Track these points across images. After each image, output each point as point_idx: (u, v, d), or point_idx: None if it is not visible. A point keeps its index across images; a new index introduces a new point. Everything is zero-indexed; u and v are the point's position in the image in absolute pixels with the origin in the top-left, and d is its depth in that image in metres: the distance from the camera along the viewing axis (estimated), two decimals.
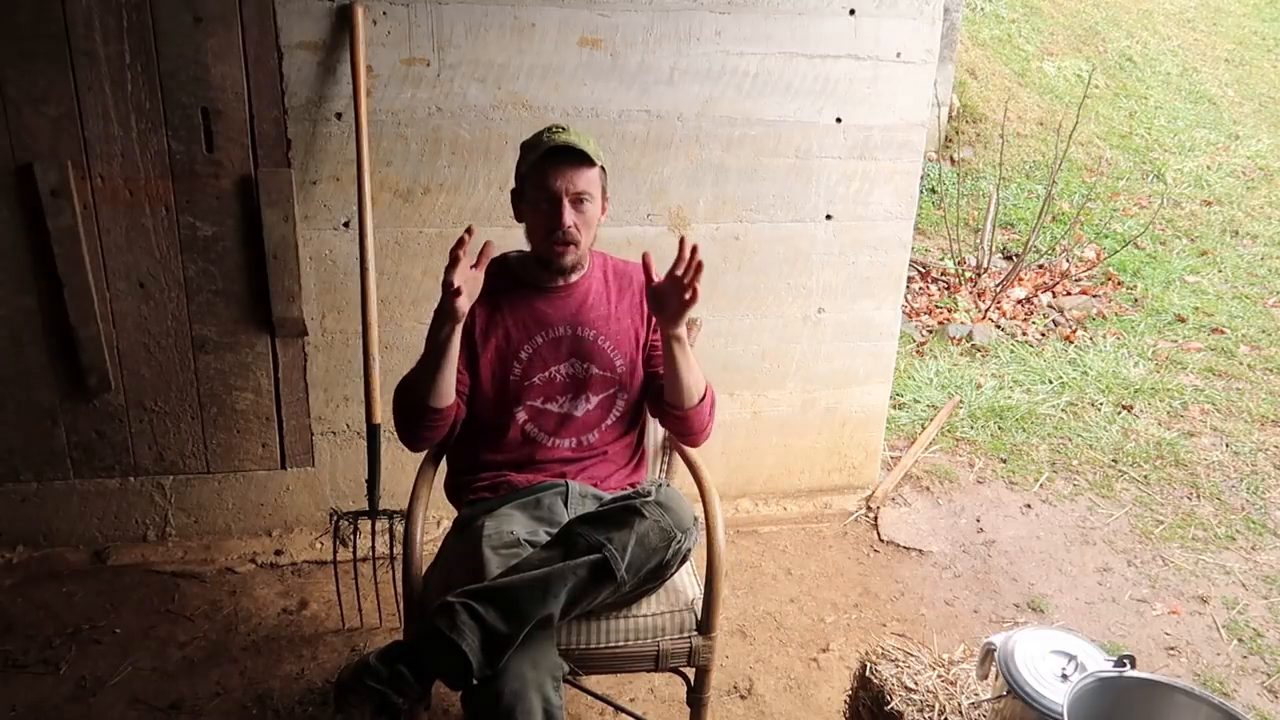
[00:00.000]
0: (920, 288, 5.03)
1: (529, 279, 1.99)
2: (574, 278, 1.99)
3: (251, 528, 2.79)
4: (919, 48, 2.74)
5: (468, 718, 1.66)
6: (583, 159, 1.85)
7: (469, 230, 1.73)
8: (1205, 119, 7.14)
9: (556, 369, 1.97)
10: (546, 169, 1.85)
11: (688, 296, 1.79)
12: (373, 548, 2.49)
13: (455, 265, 1.73)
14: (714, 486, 1.95)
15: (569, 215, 1.86)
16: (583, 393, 1.99)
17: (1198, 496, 3.27)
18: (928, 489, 3.26)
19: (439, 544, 2.06)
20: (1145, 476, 3.37)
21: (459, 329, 1.80)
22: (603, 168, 1.93)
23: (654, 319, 2.02)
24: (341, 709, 1.60)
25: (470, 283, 1.78)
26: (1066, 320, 4.68)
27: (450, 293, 1.74)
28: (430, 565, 1.93)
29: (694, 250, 1.78)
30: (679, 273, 1.80)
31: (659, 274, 1.86)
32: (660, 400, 1.99)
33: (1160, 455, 3.50)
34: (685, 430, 2.00)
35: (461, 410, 1.93)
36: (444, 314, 1.78)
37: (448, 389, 1.85)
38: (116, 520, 2.71)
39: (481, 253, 1.81)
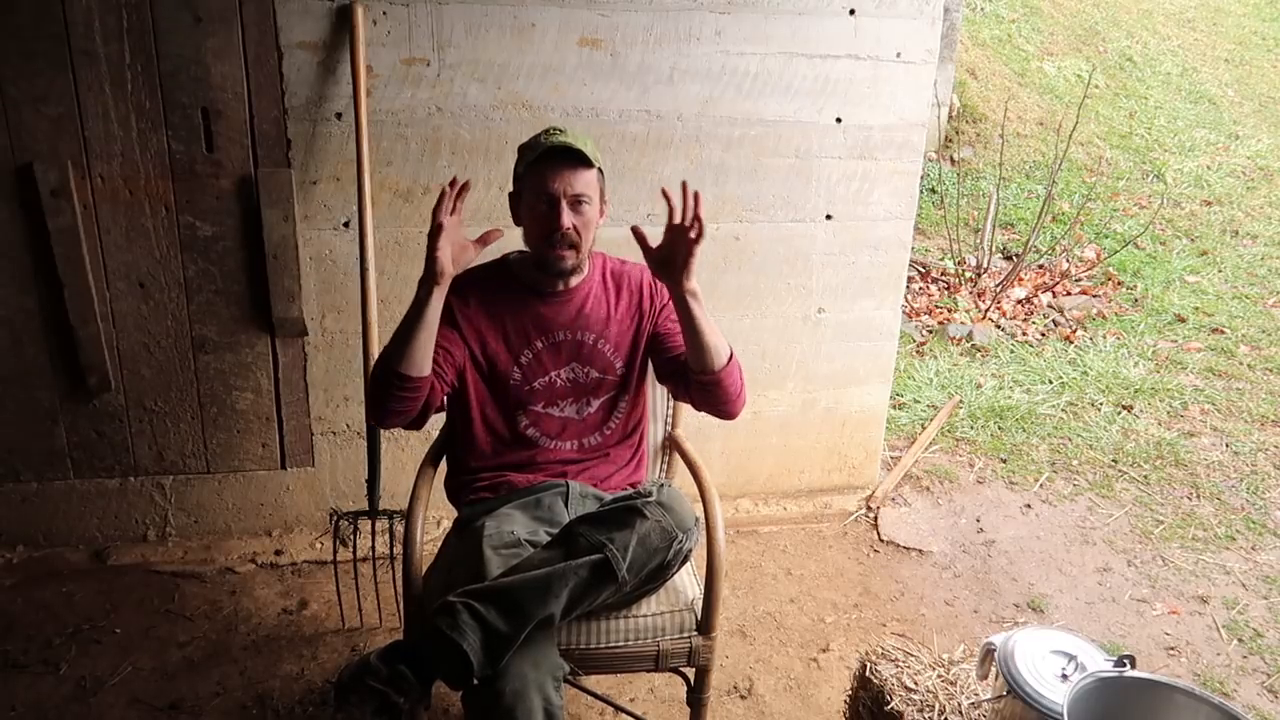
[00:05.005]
0: (920, 288, 5.03)
1: (529, 282, 1.97)
2: (574, 282, 1.97)
3: (251, 528, 2.79)
4: (919, 48, 2.74)
5: (468, 717, 1.66)
6: (580, 160, 1.83)
7: (453, 183, 1.72)
8: (1205, 119, 7.14)
9: (557, 374, 1.96)
10: (544, 170, 1.82)
11: (694, 235, 1.72)
12: (373, 548, 2.49)
13: (440, 219, 1.71)
14: (714, 486, 1.95)
15: (567, 217, 1.83)
16: (584, 397, 1.98)
17: (1198, 496, 3.27)
18: (928, 489, 3.26)
19: (439, 544, 2.06)
20: (1145, 476, 3.37)
21: (440, 291, 1.74)
22: (601, 170, 1.89)
23: (655, 308, 2.01)
24: (342, 708, 1.60)
25: (454, 232, 1.75)
26: (1066, 320, 4.68)
27: (434, 243, 1.70)
28: (430, 565, 1.93)
29: (691, 196, 1.72)
30: (678, 220, 1.75)
31: (655, 239, 1.80)
32: (685, 375, 1.89)
33: (1160, 455, 3.50)
34: (721, 397, 1.87)
35: (435, 397, 1.84)
36: (428, 272, 1.73)
37: (422, 358, 1.75)
38: (116, 520, 2.71)
39: (485, 237, 1.81)
